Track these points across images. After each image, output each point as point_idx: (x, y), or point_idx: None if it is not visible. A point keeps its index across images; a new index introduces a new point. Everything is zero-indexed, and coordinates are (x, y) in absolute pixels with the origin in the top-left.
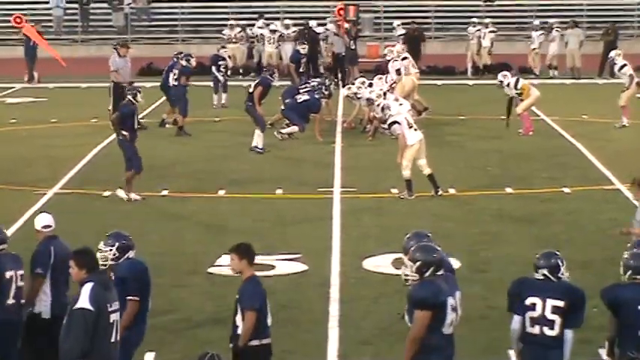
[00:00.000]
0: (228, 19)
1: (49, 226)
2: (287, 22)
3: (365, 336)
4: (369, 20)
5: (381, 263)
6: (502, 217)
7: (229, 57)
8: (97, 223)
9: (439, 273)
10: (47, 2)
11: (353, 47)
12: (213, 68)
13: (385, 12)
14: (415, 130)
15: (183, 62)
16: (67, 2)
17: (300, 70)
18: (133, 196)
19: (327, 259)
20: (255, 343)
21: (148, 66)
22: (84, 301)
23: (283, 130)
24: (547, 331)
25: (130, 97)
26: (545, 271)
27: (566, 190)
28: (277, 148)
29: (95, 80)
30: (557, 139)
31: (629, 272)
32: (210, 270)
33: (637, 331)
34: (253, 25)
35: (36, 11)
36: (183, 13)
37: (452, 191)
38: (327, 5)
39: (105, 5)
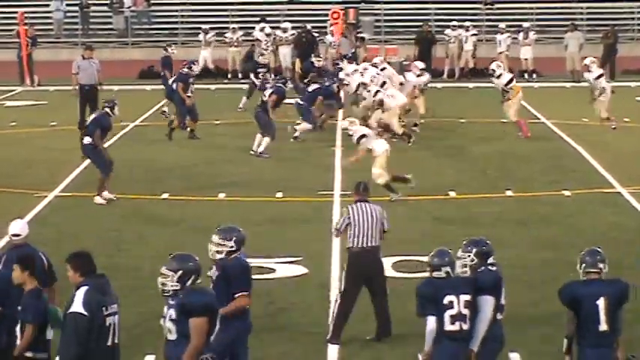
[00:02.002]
0: (228, 22)
1: (18, 235)
2: (285, 25)
3: (365, 338)
4: (369, 23)
5: None
6: (502, 220)
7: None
8: (96, 226)
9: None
10: (48, 5)
11: (353, 50)
12: (252, 74)
13: (385, 15)
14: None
15: (185, 69)
16: (68, 5)
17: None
18: (106, 194)
19: (327, 262)
20: (29, 355)
21: (149, 69)
22: (77, 306)
23: (297, 128)
24: (464, 326)
25: (107, 109)
26: (448, 269)
27: (567, 193)
28: (277, 152)
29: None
30: (557, 142)
31: (584, 267)
32: (209, 273)
33: (597, 326)
34: (253, 28)
35: (36, 14)
36: (183, 16)
37: (452, 194)
38: (328, 8)
39: (105, 8)
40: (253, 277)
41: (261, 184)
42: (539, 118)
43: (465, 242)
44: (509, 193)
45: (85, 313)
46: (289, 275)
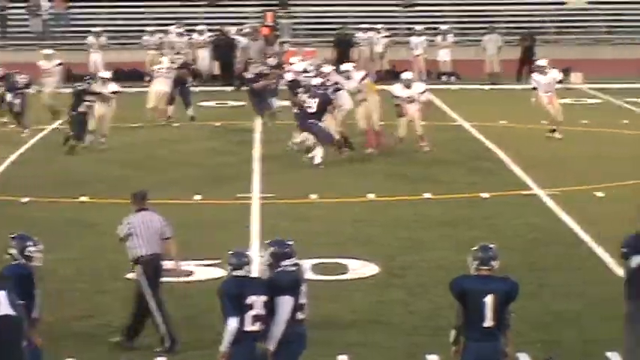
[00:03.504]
0: (147, 25)
1: None
2: (200, 27)
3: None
4: (287, 26)
5: None
6: (421, 223)
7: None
8: (14, 229)
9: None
10: None
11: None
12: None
13: (303, 18)
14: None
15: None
16: None
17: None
18: None
19: None
20: None
21: (66, 72)
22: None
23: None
24: (259, 327)
25: None
26: (248, 268)
27: (485, 195)
28: (196, 153)
29: None
30: (476, 145)
31: (476, 263)
32: (130, 276)
33: (481, 321)
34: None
35: None
36: (101, 19)
37: (370, 197)
38: (246, 12)
39: (22, 11)
40: (172, 279)
41: (180, 187)
42: (457, 121)
43: (266, 242)
44: (427, 195)
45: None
46: (208, 278)
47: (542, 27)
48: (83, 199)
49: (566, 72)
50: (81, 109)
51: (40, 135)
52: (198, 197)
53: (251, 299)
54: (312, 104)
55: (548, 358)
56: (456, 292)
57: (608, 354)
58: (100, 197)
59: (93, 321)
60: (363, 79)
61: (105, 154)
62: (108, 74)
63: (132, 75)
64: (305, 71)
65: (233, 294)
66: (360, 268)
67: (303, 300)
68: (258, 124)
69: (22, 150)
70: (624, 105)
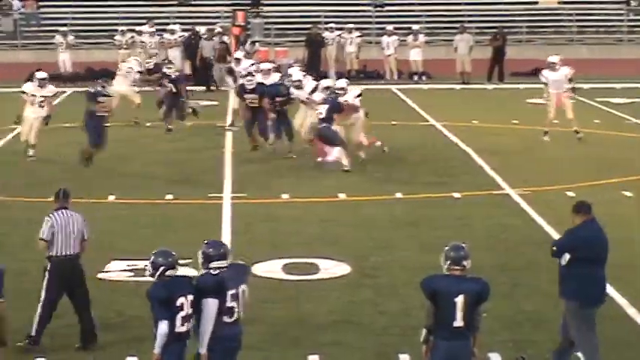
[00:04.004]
0: (118, 25)
1: None
2: (173, 27)
3: (254, 341)
4: (259, 25)
5: (271, 269)
6: (392, 222)
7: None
8: None
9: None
10: None
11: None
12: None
13: (275, 17)
14: None
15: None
16: None
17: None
18: None
19: None
20: None
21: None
22: None
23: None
24: (187, 327)
25: None
26: (175, 269)
27: (456, 195)
28: (168, 153)
29: None
30: (447, 144)
31: (448, 263)
32: (100, 276)
33: (452, 321)
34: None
35: None
36: (73, 18)
37: (341, 196)
38: (217, 11)
39: None
40: (143, 279)
41: (150, 186)
42: (428, 120)
43: (203, 242)
44: (398, 195)
45: None
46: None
47: (514, 27)
48: (51, 198)
49: (536, 72)
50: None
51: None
52: (169, 197)
53: (180, 301)
54: (323, 110)
55: (520, 358)
56: (427, 292)
57: (580, 354)
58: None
59: (63, 321)
60: (358, 96)
61: (73, 152)
62: (44, 75)
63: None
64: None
65: (162, 298)
66: (332, 268)
67: (231, 303)
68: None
69: None
70: (595, 105)
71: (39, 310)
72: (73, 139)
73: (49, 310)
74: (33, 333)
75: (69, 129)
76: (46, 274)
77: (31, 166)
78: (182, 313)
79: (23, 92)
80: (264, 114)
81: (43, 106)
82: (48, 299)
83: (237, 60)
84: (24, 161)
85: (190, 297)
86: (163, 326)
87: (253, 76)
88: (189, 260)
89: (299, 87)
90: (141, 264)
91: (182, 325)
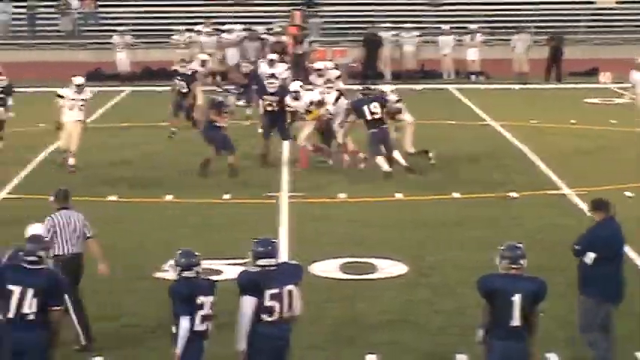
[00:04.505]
0: (176, 24)
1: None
2: (229, 26)
3: (314, 341)
4: (316, 25)
5: (328, 268)
6: (448, 222)
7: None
8: None
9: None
10: None
11: (300, 52)
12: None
13: (333, 17)
14: None
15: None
16: (14, 7)
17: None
18: None
19: None
20: None
21: (96, 70)
22: None
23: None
24: (207, 326)
25: None
26: (198, 269)
27: (513, 194)
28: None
29: (42, 85)
30: (505, 144)
31: (505, 262)
32: (157, 275)
33: (508, 321)
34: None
35: None
36: (130, 18)
37: (398, 196)
38: (275, 10)
39: (52, 10)
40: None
41: (208, 186)
42: (485, 120)
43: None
44: (455, 194)
45: None
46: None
47: (572, 26)
48: (111, 198)
49: (594, 72)
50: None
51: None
52: (227, 196)
53: (201, 299)
54: (377, 111)
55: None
56: (483, 291)
57: (638, 354)
58: (128, 196)
59: (120, 321)
60: (398, 101)
61: (135, 150)
62: (82, 80)
63: (160, 74)
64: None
65: (184, 294)
66: (389, 268)
67: (270, 302)
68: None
69: (51, 148)
70: None
71: (72, 315)
72: (132, 140)
73: (79, 308)
74: (83, 342)
75: (125, 129)
76: None
77: (88, 165)
78: (202, 312)
79: (60, 96)
80: (282, 117)
81: (82, 110)
82: (72, 299)
83: (272, 61)
84: (79, 160)
85: (211, 298)
86: (185, 322)
87: (276, 78)
88: (247, 260)
89: (296, 98)
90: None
91: (201, 323)
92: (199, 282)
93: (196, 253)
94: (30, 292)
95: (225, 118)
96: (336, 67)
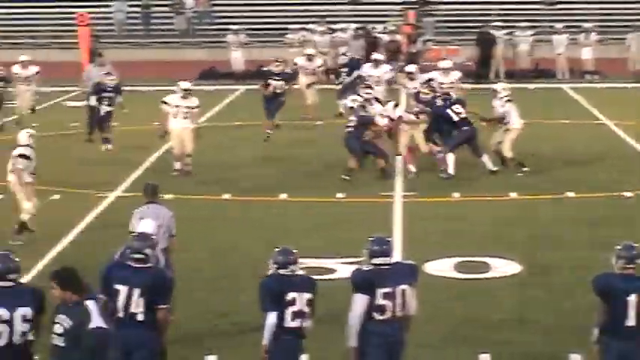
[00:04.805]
0: (289, 23)
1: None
2: (343, 25)
3: (428, 340)
4: (430, 24)
5: (442, 267)
6: (562, 221)
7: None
8: None
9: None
10: (109, 6)
11: (414, 51)
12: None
13: (447, 16)
14: None
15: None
16: (129, 6)
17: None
18: None
19: None
20: None
21: (210, 69)
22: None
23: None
24: (304, 323)
25: None
26: (294, 267)
27: (627, 194)
28: (339, 152)
29: (156, 84)
30: (619, 144)
31: (621, 262)
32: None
33: (624, 321)
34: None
35: (98, 15)
36: (244, 17)
37: (513, 195)
38: (388, 9)
39: (167, 9)
40: (315, 277)
41: (322, 185)
42: (600, 119)
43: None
44: (570, 194)
45: (107, 326)
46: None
47: None
48: (226, 196)
49: None
50: None
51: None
52: (341, 195)
53: (291, 295)
54: (461, 110)
55: None
56: (599, 290)
57: None
58: (243, 194)
59: (234, 319)
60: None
61: (250, 150)
62: (188, 85)
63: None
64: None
65: (272, 290)
66: (503, 267)
67: (382, 301)
68: None
69: (166, 146)
70: None
71: None
72: (246, 139)
73: None
74: None
75: (239, 127)
76: None
77: (202, 164)
78: (293, 308)
79: (165, 103)
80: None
81: (187, 118)
82: None
83: (376, 62)
84: (198, 157)
85: (307, 295)
86: (271, 318)
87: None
88: (361, 259)
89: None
90: (311, 262)
91: (293, 320)
92: (292, 278)
93: (294, 251)
94: (136, 291)
95: (374, 131)
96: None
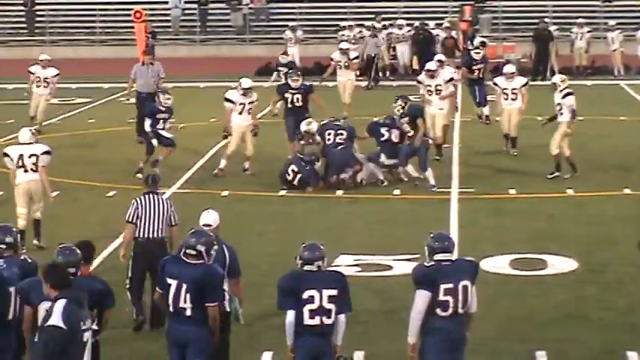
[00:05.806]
0: (346, 19)
1: (209, 225)
2: (400, 22)
3: (485, 336)
4: (487, 20)
5: (498, 264)
6: (619, 218)
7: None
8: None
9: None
10: (166, 2)
11: (470, 48)
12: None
13: (504, 12)
14: None
15: None
16: (186, 2)
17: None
18: None
19: None
20: None
21: (266, 66)
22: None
23: None
24: (326, 320)
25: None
26: (320, 263)
27: None
28: None
29: (213, 80)
30: None
31: None
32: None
33: None
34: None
35: (154, 11)
36: (301, 13)
37: (569, 192)
38: (445, 6)
39: (223, 5)
40: (371, 274)
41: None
42: None
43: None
44: (627, 191)
45: (64, 326)
46: (407, 273)
47: None
48: (282, 193)
49: None
50: None
51: None
52: (397, 192)
53: (308, 293)
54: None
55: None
56: None
57: None
58: (298, 191)
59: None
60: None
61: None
62: (249, 83)
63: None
64: None
65: (286, 288)
66: (559, 264)
67: (445, 297)
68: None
69: (222, 143)
70: None
71: (128, 294)
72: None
73: (137, 290)
74: (134, 316)
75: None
76: (132, 254)
77: (259, 160)
78: (311, 306)
79: (228, 100)
80: None
81: (250, 113)
82: (132, 279)
83: (440, 62)
84: (255, 154)
85: (330, 291)
86: (289, 316)
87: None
88: (417, 255)
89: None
90: (368, 259)
91: (311, 318)
92: (311, 275)
93: (321, 247)
94: (184, 286)
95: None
96: (508, 62)
